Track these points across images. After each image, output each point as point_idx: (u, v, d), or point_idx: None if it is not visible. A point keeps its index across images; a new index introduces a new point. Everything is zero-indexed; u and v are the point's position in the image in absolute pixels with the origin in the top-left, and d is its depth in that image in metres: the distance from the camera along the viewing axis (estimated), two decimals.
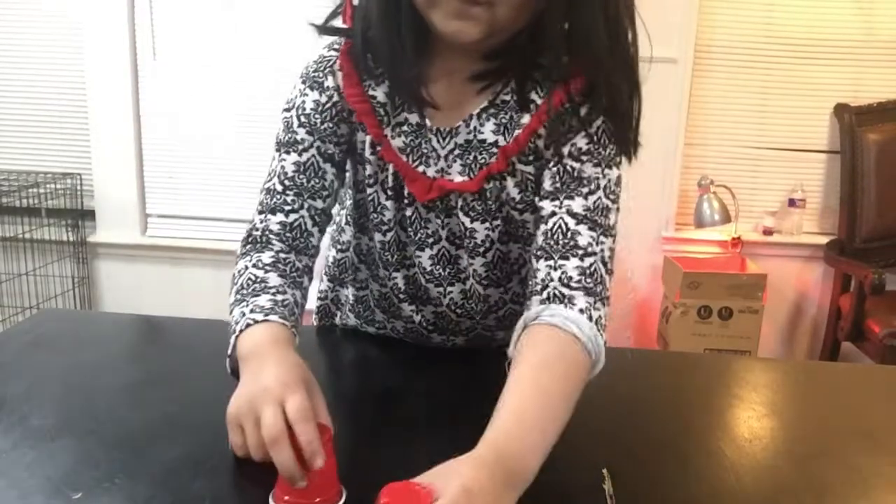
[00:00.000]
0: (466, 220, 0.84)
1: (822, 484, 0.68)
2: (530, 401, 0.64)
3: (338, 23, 0.82)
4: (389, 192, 0.85)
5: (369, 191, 0.86)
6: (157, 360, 0.94)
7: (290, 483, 0.59)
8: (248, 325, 0.72)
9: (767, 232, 2.86)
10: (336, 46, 0.84)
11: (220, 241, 2.95)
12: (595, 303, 0.73)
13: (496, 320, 0.94)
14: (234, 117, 2.85)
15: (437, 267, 0.88)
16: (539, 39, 0.74)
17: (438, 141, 0.82)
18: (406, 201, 0.85)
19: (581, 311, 0.71)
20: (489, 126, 0.80)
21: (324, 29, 0.81)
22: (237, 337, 0.73)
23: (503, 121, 0.80)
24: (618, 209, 0.80)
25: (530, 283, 0.76)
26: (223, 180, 2.92)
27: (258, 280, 0.79)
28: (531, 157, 0.80)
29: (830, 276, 2.83)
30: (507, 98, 0.80)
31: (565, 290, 0.73)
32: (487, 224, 0.84)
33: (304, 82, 0.85)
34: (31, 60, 2.86)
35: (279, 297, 0.77)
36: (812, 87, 2.77)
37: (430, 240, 0.86)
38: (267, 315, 0.73)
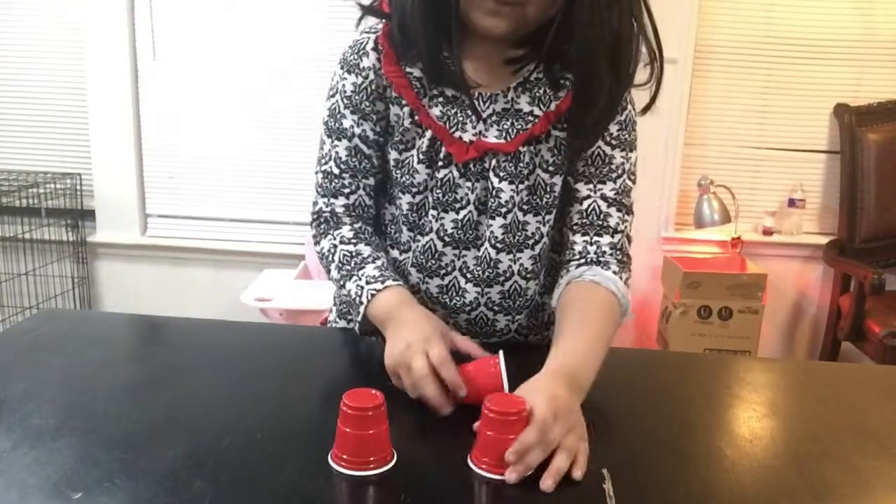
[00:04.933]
0: (495, 181, 0.92)
1: (822, 484, 0.68)
2: (584, 334, 0.84)
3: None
4: (422, 157, 0.92)
5: (404, 155, 0.94)
6: (157, 360, 0.94)
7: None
8: (372, 296, 0.89)
9: (767, 232, 2.86)
10: (373, 30, 0.92)
11: (220, 241, 2.96)
12: (623, 269, 0.93)
13: (500, 295, 0.97)
14: (234, 117, 2.85)
15: (459, 231, 0.95)
16: (562, 29, 0.83)
17: (480, 105, 0.91)
18: (441, 164, 0.92)
19: (615, 272, 0.92)
20: (525, 98, 0.92)
21: (367, 9, 0.90)
22: (366, 307, 0.89)
23: (537, 94, 0.92)
24: (634, 185, 0.97)
25: (567, 253, 0.96)
26: (223, 180, 2.92)
27: (353, 254, 0.94)
28: (564, 124, 0.92)
29: (830, 276, 2.84)
30: (540, 77, 0.91)
31: (601, 258, 0.93)
32: (514, 186, 0.93)
33: (342, 67, 0.94)
34: (31, 60, 2.86)
35: (379, 262, 0.93)
36: (812, 87, 2.77)
37: (458, 204, 0.94)
38: (383, 282, 0.90)
